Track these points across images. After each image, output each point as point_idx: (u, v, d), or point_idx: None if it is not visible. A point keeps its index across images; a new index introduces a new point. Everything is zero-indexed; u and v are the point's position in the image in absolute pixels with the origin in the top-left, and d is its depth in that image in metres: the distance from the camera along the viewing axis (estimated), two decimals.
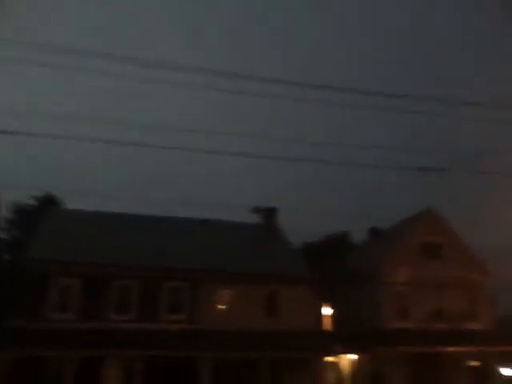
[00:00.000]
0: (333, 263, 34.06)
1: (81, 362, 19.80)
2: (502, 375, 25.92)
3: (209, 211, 32.50)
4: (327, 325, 26.04)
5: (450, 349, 24.89)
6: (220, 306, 23.89)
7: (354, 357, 26.06)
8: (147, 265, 23.64)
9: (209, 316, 23.30)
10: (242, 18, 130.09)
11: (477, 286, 28.21)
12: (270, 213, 31.21)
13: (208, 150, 14.88)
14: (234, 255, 25.83)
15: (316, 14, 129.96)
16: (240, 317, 23.39)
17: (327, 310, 25.90)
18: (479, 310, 27.99)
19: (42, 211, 29.80)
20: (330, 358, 25.01)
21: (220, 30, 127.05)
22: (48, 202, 34.99)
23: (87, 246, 23.72)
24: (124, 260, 23.44)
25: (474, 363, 25.91)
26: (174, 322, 22.75)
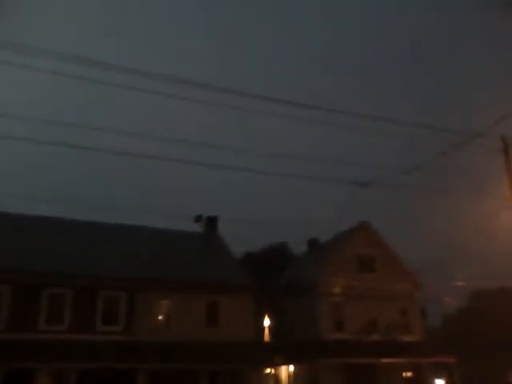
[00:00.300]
0: (273, 274, 34.30)
1: (9, 374, 18.51)
2: None
3: (149, 219, 31.86)
4: (267, 336, 26.11)
5: (385, 360, 25.66)
6: (159, 317, 23.27)
7: (293, 368, 26.29)
8: (81, 272, 22.56)
9: (147, 327, 22.59)
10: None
11: (408, 298, 29.41)
12: (211, 222, 31.03)
13: (148, 155, 14.63)
14: (174, 264, 25.31)
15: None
16: (179, 327, 22.93)
17: (267, 321, 25.99)
18: (411, 321, 29.18)
19: None
20: (269, 370, 25.07)
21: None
22: None
23: (17, 250, 22.30)
24: (56, 267, 22.25)
25: (409, 374, 26.89)
26: (110, 333, 21.86)
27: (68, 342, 20.30)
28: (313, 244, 35.10)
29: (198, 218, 30.59)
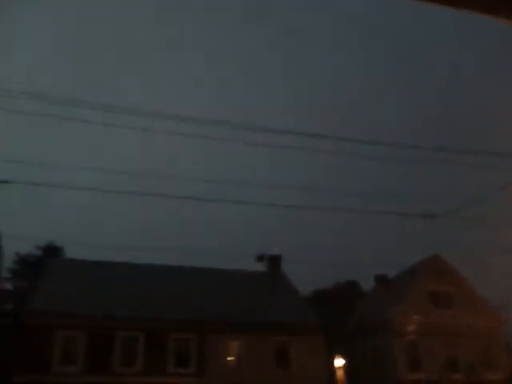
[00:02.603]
0: (342, 312, 33.37)
1: None
2: None
3: (212, 260, 32.21)
4: (340, 377, 25.10)
5: None
6: (228, 358, 23.14)
7: None
8: (153, 316, 23.00)
9: (217, 368, 22.51)
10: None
11: (491, 334, 27.55)
12: (274, 261, 30.83)
13: (209, 199, 14.93)
14: (241, 305, 25.22)
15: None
16: (249, 369, 22.65)
17: (339, 361, 25.04)
18: (495, 358, 27.21)
19: (45, 261, 29.38)
20: None
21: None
22: (50, 252, 34.54)
23: (90, 296, 23.19)
24: (129, 311, 22.85)
25: None
26: (182, 375, 21.96)
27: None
28: (381, 280, 33.96)
29: (261, 257, 30.50)
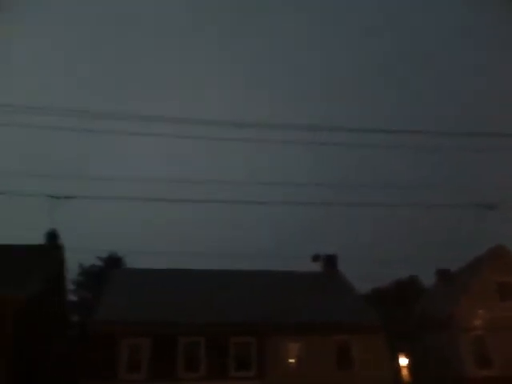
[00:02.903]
0: (403, 310, 32.54)
1: None
2: None
3: (266, 263, 32.29)
4: (406, 376, 24.48)
5: None
6: (289, 360, 23.07)
7: None
8: (213, 320, 23.29)
9: (279, 371, 22.51)
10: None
11: None
12: (330, 260, 30.53)
13: (259, 201, 14.91)
14: (298, 306, 25.11)
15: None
16: (311, 371, 22.47)
17: (403, 360, 24.37)
18: None
19: (107, 272, 30.46)
20: None
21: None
22: (112, 263, 35.82)
23: (153, 304, 23.80)
24: (190, 317, 23.24)
25: None
26: (243, 379, 22.10)
27: None
28: (443, 275, 32.84)
29: (316, 258, 30.28)
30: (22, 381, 21.79)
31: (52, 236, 27.99)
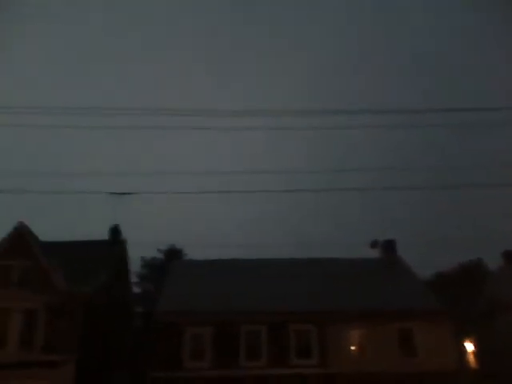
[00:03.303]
0: (467, 294, 31.43)
1: None
2: None
3: (323, 250, 32.14)
4: (472, 362, 23.70)
5: None
6: (351, 347, 22.92)
7: None
8: (274, 309, 23.46)
9: (340, 358, 22.42)
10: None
11: None
12: (389, 246, 29.92)
13: (315, 189, 14.78)
14: (359, 293, 24.84)
15: None
16: (373, 358, 22.25)
17: (469, 346, 23.58)
18: None
19: (169, 264, 31.40)
20: None
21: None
22: (172, 255, 36.91)
23: (214, 293, 24.34)
24: (251, 305, 23.55)
25: None
26: (305, 366, 22.19)
27: (267, 376, 21.21)
28: (510, 256, 31.36)
29: (375, 244, 29.76)
30: (91, 371, 23.00)
31: (115, 231, 29.21)
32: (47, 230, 26.68)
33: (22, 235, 23.89)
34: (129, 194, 18.15)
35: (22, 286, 22.77)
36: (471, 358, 24.33)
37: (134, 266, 36.03)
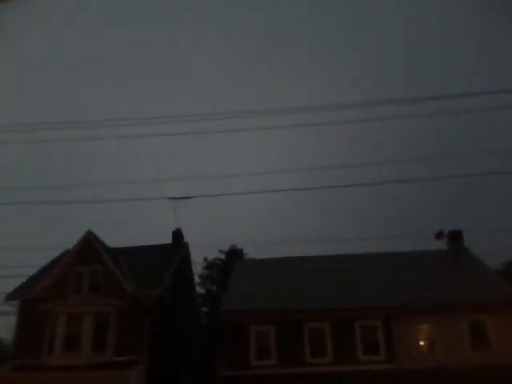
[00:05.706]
0: None
1: None
2: None
3: (389, 244, 31.38)
4: None
5: None
6: (419, 343, 22.29)
7: None
8: (338, 305, 23.22)
9: (408, 354, 21.87)
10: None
11: None
12: (455, 236, 28.81)
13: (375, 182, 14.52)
14: (426, 286, 24.02)
15: None
16: (442, 353, 21.56)
17: None
18: None
19: (231, 264, 31.92)
20: None
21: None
22: (234, 255, 37.47)
23: (277, 291, 24.39)
24: (315, 302, 23.45)
25: None
26: (372, 363, 21.82)
27: (333, 373, 21.07)
28: None
29: (440, 235, 28.74)
30: (160, 371, 23.77)
31: (177, 235, 30.08)
32: (114, 236, 27.92)
33: (90, 242, 25.06)
34: (188, 198, 18.70)
35: (92, 291, 23.91)
36: None
37: (197, 267, 36.93)
